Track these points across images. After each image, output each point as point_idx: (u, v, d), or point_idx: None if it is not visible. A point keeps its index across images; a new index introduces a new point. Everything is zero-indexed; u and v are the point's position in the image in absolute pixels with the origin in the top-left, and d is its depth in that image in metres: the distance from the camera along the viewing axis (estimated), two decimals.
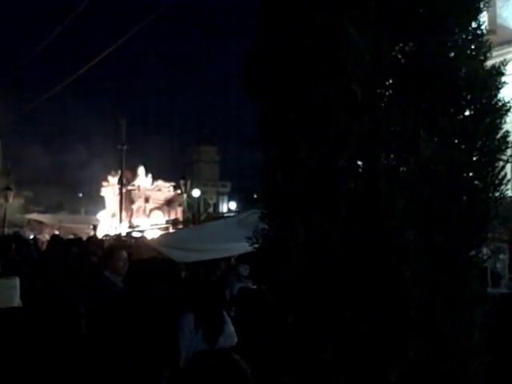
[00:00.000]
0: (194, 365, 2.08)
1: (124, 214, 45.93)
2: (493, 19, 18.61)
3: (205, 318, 4.52)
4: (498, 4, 18.97)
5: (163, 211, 45.26)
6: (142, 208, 46.78)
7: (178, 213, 41.05)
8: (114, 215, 43.00)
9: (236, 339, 4.64)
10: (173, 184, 46.00)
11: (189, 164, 51.42)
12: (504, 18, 19.09)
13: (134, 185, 47.57)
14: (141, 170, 48.99)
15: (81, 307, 4.86)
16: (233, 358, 2.12)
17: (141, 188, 47.58)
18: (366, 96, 2.82)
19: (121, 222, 33.24)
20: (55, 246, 10.23)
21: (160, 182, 47.28)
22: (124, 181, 46.95)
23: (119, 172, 35.63)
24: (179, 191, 40.08)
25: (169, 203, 45.95)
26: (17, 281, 4.25)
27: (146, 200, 47.22)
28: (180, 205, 43.55)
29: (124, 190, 47.09)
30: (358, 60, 2.78)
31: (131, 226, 33.04)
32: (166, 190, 46.49)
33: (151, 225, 34.17)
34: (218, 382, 1.99)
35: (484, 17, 3.12)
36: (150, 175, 49.27)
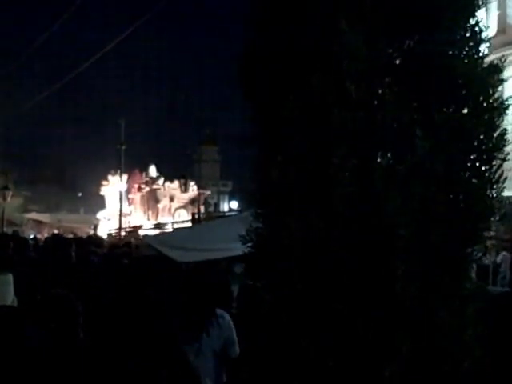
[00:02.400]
0: None
1: (150, 213, 45.96)
2: (503, 19, 18.64)
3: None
4: (509, 4, 18.98)
5: (187, 210, 45.20)
6: (168, 207, 46.74)
7: (201, 212, 40.94)
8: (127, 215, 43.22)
9: (238, 351, 4.57)
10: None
11: (189, 163, 51.43)
12: None
13: (158, 184, 47.55)
14: (152, 168, 49.02)
15: (79, 306, 4.86)
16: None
17: (166, 187, 47.52)
18: (361, 93, 2.81)
19: (120, 221, 33.24)
20: (54, 245, 10.23)
21: (183, 181, 47.16)
22: (148, 179, 47.02)
23: (119, 171, 35.69)
24: (202, 190, 40.23)
25: (193, 202, 45.87)
26: (10, 277, 4.24)
27: (171, 199, 47.15)
28: (203, 203, 43.52)
29: (148, 189, 47.21)
30: (352, 57, 2.78)
31: (157, 225, 33.10)
32: (190, 189, 46.53)
33: (172, 222, 34.25)
34: None
35: (494, 16, 3.12)
36: (158, 174, 49.26)
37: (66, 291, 4.42)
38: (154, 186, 47.26)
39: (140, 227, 32.03)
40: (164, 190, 47.42)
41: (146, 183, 48.02)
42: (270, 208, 3.07)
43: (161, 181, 48.36)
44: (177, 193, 46.23)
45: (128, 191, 47.29)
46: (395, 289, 2.76)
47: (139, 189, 48.10)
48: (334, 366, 2.81)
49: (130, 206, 48.28)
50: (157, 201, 47.08)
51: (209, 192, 41.19)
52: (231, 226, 9.45)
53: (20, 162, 49.51)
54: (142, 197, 48.47)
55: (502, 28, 18.73)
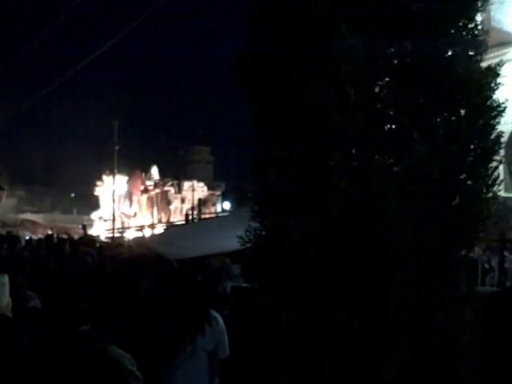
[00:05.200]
0: None
1: (162, 214, 45.80)
2: (487, 21, 18.81)
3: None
4: (492, 6, 19.13)
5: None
6: (179, 208, 46.55)
7: (211, 212, 40.72)
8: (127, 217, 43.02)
9: (227, 352, 4.58)
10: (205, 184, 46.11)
11: (182, 164, 51.35)
12: (497, 20, 19.23)
13: (172, 185, 47.37)
14: (154, 169, 48.91)
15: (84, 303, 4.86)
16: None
17: (194, 189, 47.27)
18: (359, 96, 2.82)
19: (114, 221, 33.20)
20: (48, 246, 10.23)
21: (194, 182, 47.05)
22: (157, 181, 46.91)
23: (114, 172, 35.73)
24: (212, 191, 40.18)
25: (203, 203, 45.77)
26: (6, 278, 4.22)
27: (182, 201, 47.05)
28: (213, 204, 43.44)
29: (159, 191, 47.11)
30: (351, 60, 2.79)
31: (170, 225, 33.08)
32: (200, 190, 46.45)
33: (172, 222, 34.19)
34: None
35: (478, 19, 3.12)
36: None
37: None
38: (166, 188, 47.13)
39: (143, 227, 32.06)
40: (175, 192, 47.23)
41: (156, 185, 47.91)
42: (269, 209, 3.07)
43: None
44: (187, 194, 46.12)
45: (130, 192, 47.26)
46: (392, 291, 2.76)
47: (146, 190, 47.96)
48: (333, 367, 2.81)
49: (132, 207, 48.17)
50: (168, 202, 46.93)
51: (218, 193, 41.09)
52: (224, 224, 9.44)
53: (14, 163, 49.38)
54: (150, 198, 48.30)
55: (486, 30, 18.92)
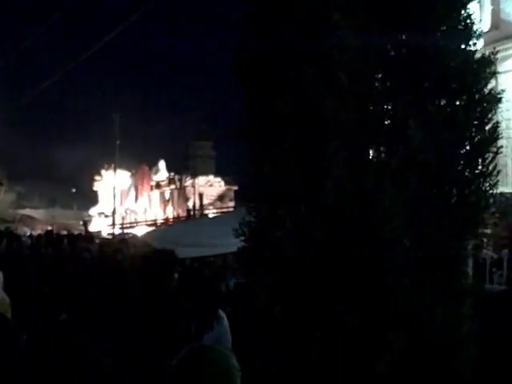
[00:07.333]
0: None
1: (180, 210, 45.77)
2: (496, 14, 18.84)
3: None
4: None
5: (216, 207, 44.95)
6: (198, 204, 46.49)
7: (229, 208, 40.69)
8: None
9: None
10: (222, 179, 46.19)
11: (184, 159, 51.24)
12: (507, 13, 19.19)
13: (189, 181, 47.29)
14: (161, 164, 48.83)
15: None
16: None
17: (195, 185, 47.21)
18: (352, 84, 2.78)
19: (114, 217, 33.18)
20: (47, 242, 10.20)
21: (211, 178, 47.04)
22: (172, 177, 46.80)
23: (113, 166, 35.72)
24: (230, 186, 40.31)
25: (221, 198, 45.71)
26: (0, 274, 4.25)
27: (200, 196, 47.04)
28: (231, 200, 43.46)
29: (173, 187, 46.92)
30: (343, 48, 2.75)
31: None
32: (217, 185, 46.46)
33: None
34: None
35: (487, 12, 3.10)
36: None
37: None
38: (184, 184, 47.04)
39: (156, 222, 32.13)
40: (193, 187, 47.13)
41: (171, 180, 47.78)
42: (263, 201, 3.05)
43: (165, 175, 48.17)
44: (205, 190, 45.84)
45: (136, 187, 47.18)
46: (388, 284, 2.73)
47: (158, 186, 47.86)
48: (331, 366, 2.79)
49: (138, 203, 48.08)
50: (186, 199, 46.81)
51: (236, 188, 41.18)
52: (227, 223, 9.37)
53: (13, 158, 49.38)
54: (162, 194, 48.18)
55: (496, 24, 18.95)
